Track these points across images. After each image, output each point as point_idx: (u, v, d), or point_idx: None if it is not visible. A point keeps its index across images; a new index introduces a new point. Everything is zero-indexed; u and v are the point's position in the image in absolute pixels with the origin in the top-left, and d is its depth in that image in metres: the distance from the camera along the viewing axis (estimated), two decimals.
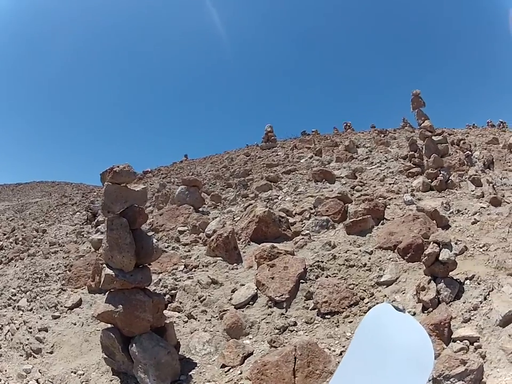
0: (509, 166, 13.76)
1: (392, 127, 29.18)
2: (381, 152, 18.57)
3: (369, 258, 8.17)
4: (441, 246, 6.53)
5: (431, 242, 6.69)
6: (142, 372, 5.76)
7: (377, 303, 6.54)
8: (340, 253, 8.36)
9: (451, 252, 6.43)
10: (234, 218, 11.77)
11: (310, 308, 7.16)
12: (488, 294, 6.22)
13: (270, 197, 13.19)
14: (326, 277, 7.75)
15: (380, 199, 10.74)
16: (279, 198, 13.09)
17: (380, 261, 8.08)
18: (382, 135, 24.34)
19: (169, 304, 7.77)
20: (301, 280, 7.63)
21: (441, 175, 11.11)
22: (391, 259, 8.05)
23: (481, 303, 6.05)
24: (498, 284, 6.44)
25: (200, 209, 13.26)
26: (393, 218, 9.65)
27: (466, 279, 6.69)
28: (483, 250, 7.77)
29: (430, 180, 11.15)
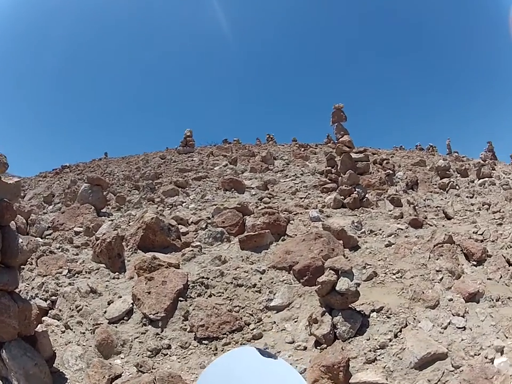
0: (435, 188, 13.37)
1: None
2: (298, 166, 18.13)
3: (261, 278, 7.06)
4: (339, 274, 5.48)
5: (327, 269, 5.60)
6: (15, 380, 5.19)
7: (264, 331, 5.92)
8: (229, 270, 7.27)
9: (352, 281, 5.41)
10: (129, 222, 10.66)
11: (187, 330, 6.12)
12: (400, 331, 5.33)
13: (175, 203, 12.35)
14: (210, 295, 6.72)
15: (284, 213, 9.83)
16: (183, 204, 12.25)
17: (272, 282, 6.99)
18: (302, 149, 23.96)
19: (50, 311, 6.83)
20: (180, 298, 6.57)
21: (355, 192, 10.34)
22: (285, 281, 6.99)
23: (390, 341, 5.16)
24: (414, 319, 5.59)
25: (104, 210, 12.43)
26: (296, 235, 8.64)
27: (373, 311, 5.75)
28: (397, 278, 6.82)
29: (342, 197, 10.34)
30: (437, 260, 7.04)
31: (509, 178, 16.25)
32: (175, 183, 14.89)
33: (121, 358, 5.72)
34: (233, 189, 13.41)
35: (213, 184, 14.91)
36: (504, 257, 7.26)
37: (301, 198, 12.22)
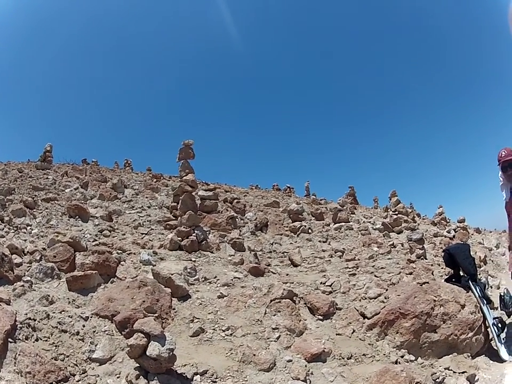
0: (286, 230, 12.87)
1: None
2: (147, 198, 17.21)
3: (84, 326, 6.00)
4: (150, 337, 4.66)
5: (136, 331, 4.75)
6: None
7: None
8: (54, 312, 6.12)
9: (163, 346, 4.57)
10: None
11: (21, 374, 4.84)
12: None
13: (21, 225, 10.84)
14: (37, 339, 5.58)
15: (118, 252, 8.82)
16: (28, 228, 10.83)
17: (94, 331, 5.96)
18: (155, 180, 23.13)
19: None
20: (10, 339, 5.28)
21: (194, 234, 9.57)
22: (107, 332, 5.99)
23: None
24: None
25: None
26: (125, 278, 7.63)
27: (196, 374, 4.94)
28: (226, 335, 6.00)
29: (180, 238, 9.51)
30: (274, 315, 6.39)
31: (369, 222, 16.57)
32: (24, 203, 13.18)
33: None
34: (77, 216, 12.29)
35: (60, 208, 13.52)
36: (357, 310, 7.02)
37: (142, 234, 11.22)
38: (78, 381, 5.19)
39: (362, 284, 8.03)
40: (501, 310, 8.16)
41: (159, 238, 10.65)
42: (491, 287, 10.24)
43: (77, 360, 5.47)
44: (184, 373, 4.87)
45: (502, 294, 8.13)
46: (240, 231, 12.31)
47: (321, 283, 8.06)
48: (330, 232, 13.65)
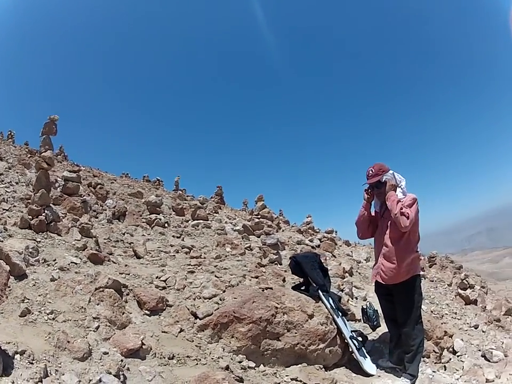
0: (142, 222, 12.86)
1: None
2: (17, 173, 16.54)
3: None
4: None
5: None
6: None
7: None
8: None
9: None
10: None
11: None
12: (41, 381, 4.53)
13: None
14: None
15: None
16: None
17: None
18: (29, 155, 22.02)
19: None
20: None
21: (44, 214, 9.31)
22: None
23: None
24: (56, 370, 4.82)
25: None
26: None
27: (16, 352, 4.89)
28: (49, 319, 5.94)
29: (30, 217, 9.25)
30: (97, 305, 6.30)
31: (231, 223, 16.85)
32: None
33: None
34: None
35: None
36: (189, 309, 6.88)
37: (4, 209, 10.88)
38: None
39: (199, 283, 7.82)
40: (364, 323, 8.49)
41: (18, 216, 10.24)
42: (356, 298, 10.61)
43: None
44: (6, 350, 4.85)
45: (365, 307, 8.38)
46: (97, 217, 12.28)
47: (157, 277, 7.93)
48: (188, 228, 13.72)
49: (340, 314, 7.52)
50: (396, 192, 6.97)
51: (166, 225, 13.31)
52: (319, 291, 7.53)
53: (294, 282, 8.62)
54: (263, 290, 7.27)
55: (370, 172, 7.20)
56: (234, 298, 6.93)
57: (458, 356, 9.04)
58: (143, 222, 12.93)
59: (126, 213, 13.11)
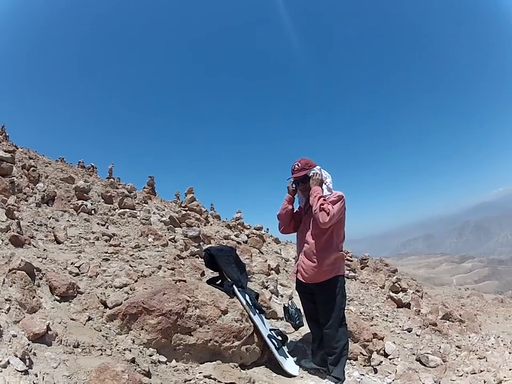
0: (70, 207, 12.91)
1: None
2: None
3: None
4: None
5: None
6: None
7: None
8: None
9: None
10: None
11: None
12: None
13: None
14: None
15: None
16: None
17: None
18: None
19: None
20: None
21: None
22: None
23: None
24: None
25: None
26: None
27: None
28: None
29: None
30: (10, 286, 6.23)
31: (159, 214, 16.84)
32: None
33: None
34: None
35: None
36: (98, 297, 6.78)
37: None
38: None
39: (112, 271, 7.72)
40: (286, 321, 8.40)
41: None
42: (281, 296, 10.53)
43: None
44: None
45: (287, 305, 8.32)
46: (27, 200, 12.40)
47: (72, 263, 7.83)
48: (114, 217, 13.76)
49: (257, 311, 7.26)
50: (321, 188, 6.71)
51: (93, 212, 13.45)
52: (234, 286, 7.20)
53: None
54: (176, 282, 7.07)
55: (296, 166, 6.87)
56: (145, 289, 6.69)
57: (390, 359, 8.83)
58: (71, 208, 13.05)
59: (55, 197, 13.26)
